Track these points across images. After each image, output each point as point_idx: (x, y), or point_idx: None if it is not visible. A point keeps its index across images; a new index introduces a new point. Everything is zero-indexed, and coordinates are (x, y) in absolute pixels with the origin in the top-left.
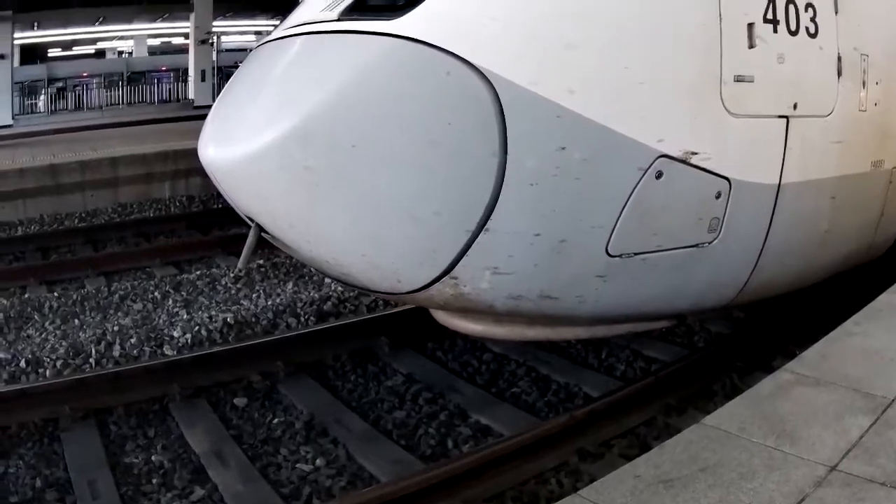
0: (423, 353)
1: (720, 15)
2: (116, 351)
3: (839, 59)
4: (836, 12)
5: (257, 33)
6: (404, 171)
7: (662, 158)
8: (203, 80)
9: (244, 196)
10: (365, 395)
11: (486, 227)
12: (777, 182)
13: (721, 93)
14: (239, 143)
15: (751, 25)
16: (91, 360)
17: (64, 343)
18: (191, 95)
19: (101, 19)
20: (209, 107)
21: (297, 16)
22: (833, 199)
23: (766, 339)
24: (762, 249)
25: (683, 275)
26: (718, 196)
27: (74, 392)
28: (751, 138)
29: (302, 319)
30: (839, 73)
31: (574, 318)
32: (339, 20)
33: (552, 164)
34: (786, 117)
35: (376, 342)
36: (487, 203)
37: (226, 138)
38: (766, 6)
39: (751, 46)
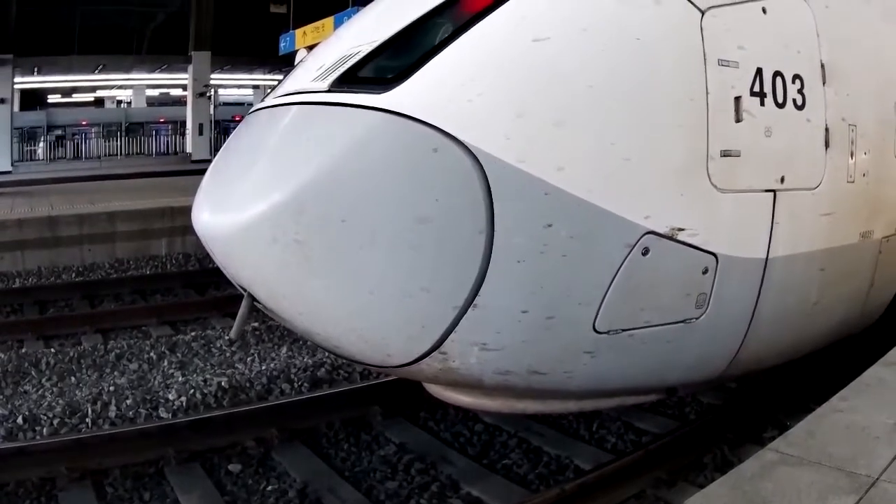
0: (416, 422)
1: (707, 89)
2: (112, 412)
3: (827, 130)
4: (824, 83)
5: (255, 87)
6: (392, 246)
7: (649, 235)
8: (201, 133)
9: (236, 266)
10: (358, 463)
11: (474, 303)
12: (765, 256)
13: (708, 168)
14: (231, 214)
15: (738, 99)
16: (87, 420)
17: (61, 401)
18: (188, 149)
19: (100, 67)
20: (207, 161)
21: (289, 83)
22: (822, 271)
23: (756, 410)
24: (751, 323)
25: (672, 350)
26: (706, 272)
27: (72, 452)
28: (738, 213)
29: (296, 385)
30: (827, 145)
31: (563, 393)
32: (329, 91)
33: (539, 242)
34: (773, 191)
35: (369, 411)
36: (475, 280)
37: (219, 208)
38: (752, 79)
39: (738, 120)
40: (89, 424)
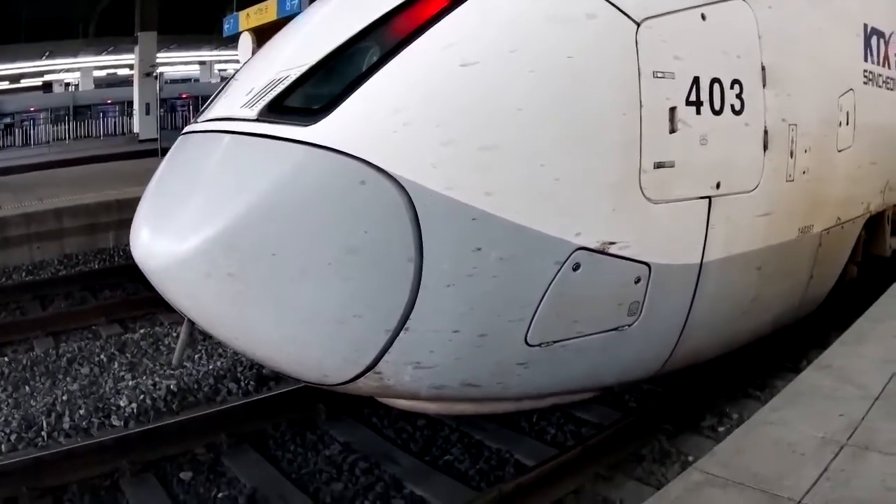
0: (360, 419)
1: (641, 103)
2: (66, 423)
3: (766, 132)
4: (765, 86)
5: (201, 63)
6: (323, 277)
7: (580, 251)
8: (147, 113)
9: (174, 296)
10: (305, 465)
11: (405, 326)
12: (699, 261)
13: (640, 181)
14: (165, 249)
15: (673, 110)
16: (43, 433)
17: (17, 414)
18: (136, 129)
19: (48, 53)
20: (153, 140)
21: (221, 106)
22: (759, 269)
23: (694, 397)
24: (685, 325)
25: (606, 355)
26: (638, 281)
27: (32, 470)
28: (671, 222)
29: (242, 385)
30: (765, 147)
31: (499, 400)
32: (258, 120)
33: (468, 265)
34: (708, 197)
35: (314, 410)
36: (405, 305)
37: (154, 241)
38: (689, 89)
39: (672, 131)
40: (45, 437)
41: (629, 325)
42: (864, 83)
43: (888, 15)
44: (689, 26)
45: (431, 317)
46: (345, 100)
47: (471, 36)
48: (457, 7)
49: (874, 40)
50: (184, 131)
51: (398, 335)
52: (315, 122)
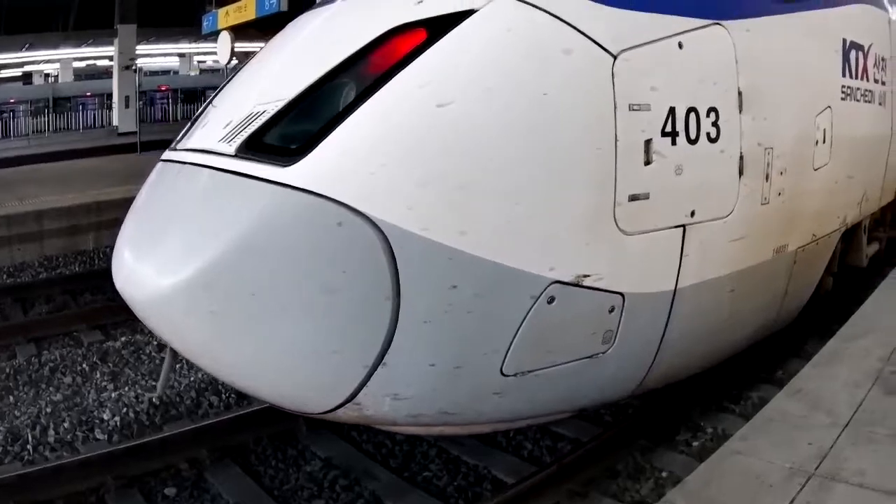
0: (340, 433)
1: (616, 137)
2: (51, 436)
3: (741, 158)
4: (741, 111)
5: (181, 55)
6: (302, 316)
7: (554, 284)
8: (127, 106)
9: (156, 328)
10: (286, 481)
11: (383, 361)
12: (673, 288)
13: (615, 214)
14: (147, 284)
15: (648, 142)
16: (28, 447)
17: (2, 427)
18: (115, 122)
19: (28, 45)
20: (133, 133)
21: (198, 136)
22: (732, 291)
23: (669, 412)
24: (659, 348)
25: (581, 382)
26: (612, 310)
27: (19, 487)
28: (645, 252)
29: (223, 397)
30: (741, 173)
31: (475, 425)
32: (236, 156)
33: (444, 302)
34: (682, 226)
35: (295, 424)
36: (383, 341)
37: (135, 276)
38: (664, 120)
39: (647, 163)
40: (30, 451)
41: (603, 353)
42: (842, 99)
43: (867, 26)
44: (666, 56)
45: (408, 352)
46: (322, 140)
47: (446, 75)
48: (432, 45)
49: (853, 54)
50: (163, 157)
51: (376, 370)
52: (292, 162)
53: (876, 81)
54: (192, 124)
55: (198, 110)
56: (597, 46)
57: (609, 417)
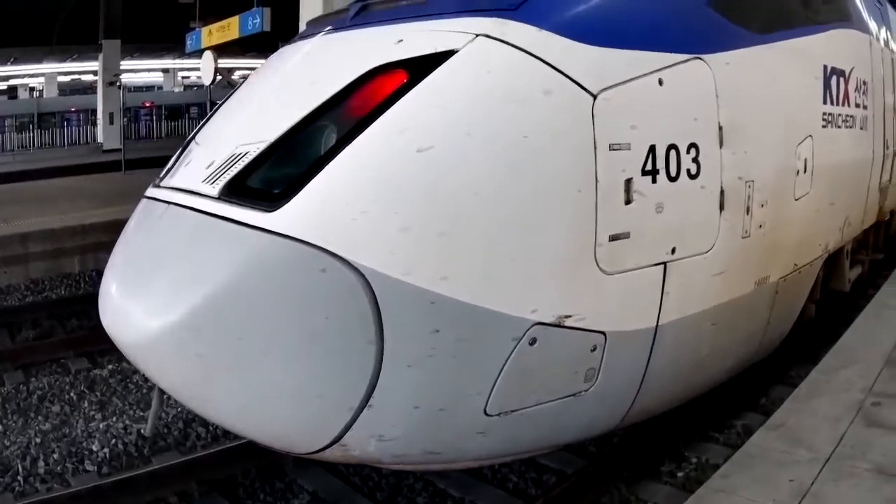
0: (327, 467)
1: (596, 178)
2: (41, 467)
3: (722, 192)
4: (722, 146)
5: (164, 71)
6: (288, 360)
7: (536, 326)
8: (111, 123)
9: (145, 368)
10: None
11: (368, 404)
12: (654, 325)
13: (595, 255)
14: (134, 327)
15: (629, 181)
16: (20, 478)
17: None
18: (100, 138)
19: (12, 59)
20: (118, 150)
21: (181, 175)
22: (714, 325)
23: (654, 442)
24: (641, 384)
25: (563, 419)
26: (594, 349)
27: None
28: (626, 291)
29: (211, 429)
30: (721, 207)
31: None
32: (219, 199)
33: (427, 346)
34: (663, 263)
35: (283, 458)
36: (368, 385)
37: (124, 318)
38: (645, 159)
39: (627, 202)
40: (21, 482)
41: (586, 391)
42: (823, 126)
43: (848, 51)
44: (646, 93)
45: (393, 394)
46: (304, 186)
47: (426, 119)
48: (412, 87)
49: (834, 80)
50: (147, 194)
51: (361, 412)
52: (275, 208)
53: (857, 106)
54: (176, 160)
55: (181, 127)
56: (577, 86)
57: (594, 448)
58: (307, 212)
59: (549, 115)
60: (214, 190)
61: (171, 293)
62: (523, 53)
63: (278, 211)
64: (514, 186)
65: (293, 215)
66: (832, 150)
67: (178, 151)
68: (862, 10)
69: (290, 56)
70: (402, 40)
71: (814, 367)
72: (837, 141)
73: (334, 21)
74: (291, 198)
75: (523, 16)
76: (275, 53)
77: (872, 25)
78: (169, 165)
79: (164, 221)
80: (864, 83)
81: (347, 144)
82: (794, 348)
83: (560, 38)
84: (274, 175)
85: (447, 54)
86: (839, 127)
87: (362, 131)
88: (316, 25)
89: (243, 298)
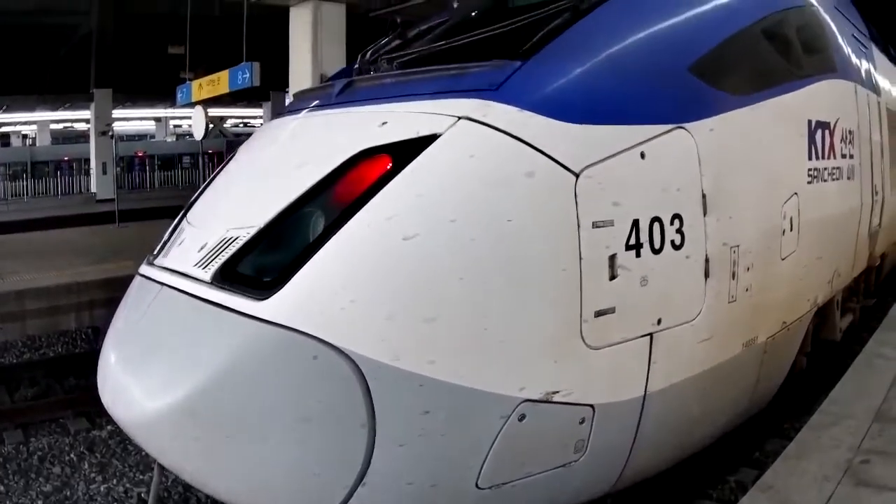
0: None
1: (580, 256)
2: None
3: (707, 261)
4: (706, 214)
5: (157, 120)
6: (283, 443)
7: (525, 403)
8: (104, 172)
9: (146, 447)
10: None
11: (363, 482)
12: (642, 394)
13: (581, 331)
14: (135, 409)
15: (612, 257)
16: None
17: None
18: (93, 188)
19: (5, 107)
20: (111, 200)
21: (174, 255)
22: (703, 389)
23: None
24: (630, 451)
25: (554, 489)
26: (582, 422)
27: None
28: (613, 364)
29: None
30: (707, 276)
31: None
32: (212, 284)
33: (418, 426)
34: (650, 335)
35: None
36: (361, 466)
37: (123, 399)
38: (628, 234)
39: (612, 278)
40: None
41: (576, 461)
42: (809, 182)
43: (832, 102)
44: (629, 168)
45: (386, 473)
46: (293, 275)
47: (410, 206)
48: (396, 174)
49: (819, 134)
50: (141, 272)
51: (356, 490)
52: (266, 296)
53: (843, 156)
54: (169, 238)
55: (174, 177)
56: (558, 166)
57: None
58: (297, 300)
59: (531, 197)
60: (207, 275)
61: (168, 377)
62: (505, 135)
63: (270, 299)
64: (499, 269)
65: (284, 304)
66: (818, 205)
67: (171, 227)
68: (846, 56)
69: (278, 134)
70: (385, 122)
71: (807, 420)
72: (824, 195)
73: (321, 96)
74: (282, 286)
75: (505, 96)
76: (262, 128)
77: (857, 70)
78: (162, 241)
79: (159, 304)
80: (850, 132)
81: (334, 233)
82: (788, 400)
83: (541, 118)
84: (264, 262)
85: (430, 138)
86: (825, 181)
87: (348, 219)
88: (302, 100)
89: (238, 384)
